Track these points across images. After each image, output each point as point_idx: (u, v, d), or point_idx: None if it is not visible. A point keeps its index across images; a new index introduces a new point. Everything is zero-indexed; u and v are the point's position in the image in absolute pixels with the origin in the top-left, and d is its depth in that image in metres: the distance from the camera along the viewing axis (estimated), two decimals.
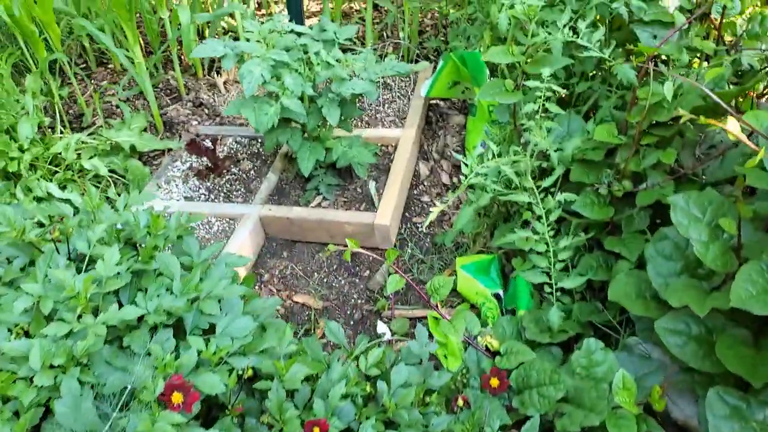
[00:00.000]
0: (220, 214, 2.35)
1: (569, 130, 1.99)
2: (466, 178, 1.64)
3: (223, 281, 1.37)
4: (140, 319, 1.29)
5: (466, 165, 1.65)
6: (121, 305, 1.30)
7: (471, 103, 2.67)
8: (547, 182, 1.75)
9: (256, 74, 2.01)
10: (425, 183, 2.58)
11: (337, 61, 2.17)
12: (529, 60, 1.80)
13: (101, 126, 2.85)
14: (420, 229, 2.38)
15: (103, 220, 1.43)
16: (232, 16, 3.23)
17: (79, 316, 1.20)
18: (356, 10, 3.69)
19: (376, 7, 3.59)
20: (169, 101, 3.09)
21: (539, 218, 1.74)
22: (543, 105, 1.69)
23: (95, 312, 1.26)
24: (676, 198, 1.49)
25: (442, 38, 3.26)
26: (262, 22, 2.23)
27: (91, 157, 2.52)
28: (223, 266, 1.47)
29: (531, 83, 1.68)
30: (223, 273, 1.45)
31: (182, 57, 3.40)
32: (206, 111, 3.01)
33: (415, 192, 2.54)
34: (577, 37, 1.69)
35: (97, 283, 1.27)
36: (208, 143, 2.49)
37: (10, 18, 2.36)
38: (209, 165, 2.50)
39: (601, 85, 2.11)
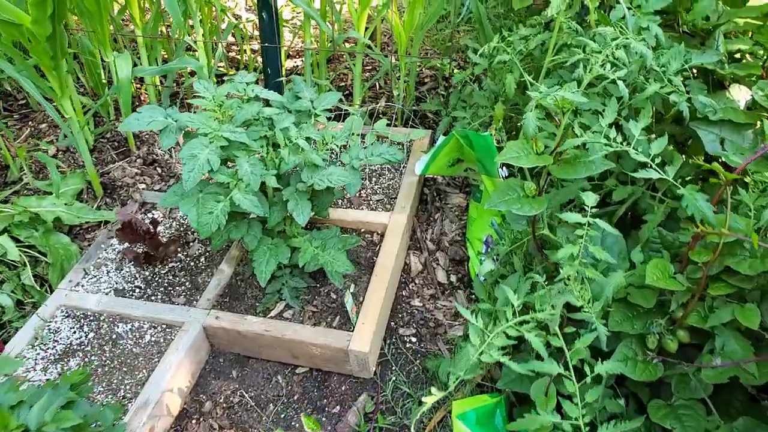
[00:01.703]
0: (155, 320, 1.85)
1: (603, 246, 1.53)
2: (479, 354, 1.16)
3: None
4: None
5: (478, 336, 1.17)
6: None
7: (475, 185, 2.20)
8: (580, 343, 1.28)
9: (201, 160, 1.53)
10: (417, 281, 2.10)
11: (309, 139, 1.69)
12: (557, 161, 1.35)
13: (28, 183, 2.36)
14: (408, 347, 1.90)
15: None
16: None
17: None
18: (343, 56, 3.21)
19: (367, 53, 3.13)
20: (114, 156, 2.57)
21: (570, 396, 1.26)
22: (585, 247, 1.21)
23: None
24: None
25: (443, 94, 2.79)
26: (221, 80, 1.76)
27: (2, 232, 2.03)
28: None
29: (568, 217, 1.21)
30: None
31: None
32: (158, 170, 2.50)
33: (404, 293, 2.06)
34: (628, 145, 1.25)
35: None
36: (147, 222, 1.99)
37: None
38: (148, 252, 2.00)
39: (641, 186, 1.66)
